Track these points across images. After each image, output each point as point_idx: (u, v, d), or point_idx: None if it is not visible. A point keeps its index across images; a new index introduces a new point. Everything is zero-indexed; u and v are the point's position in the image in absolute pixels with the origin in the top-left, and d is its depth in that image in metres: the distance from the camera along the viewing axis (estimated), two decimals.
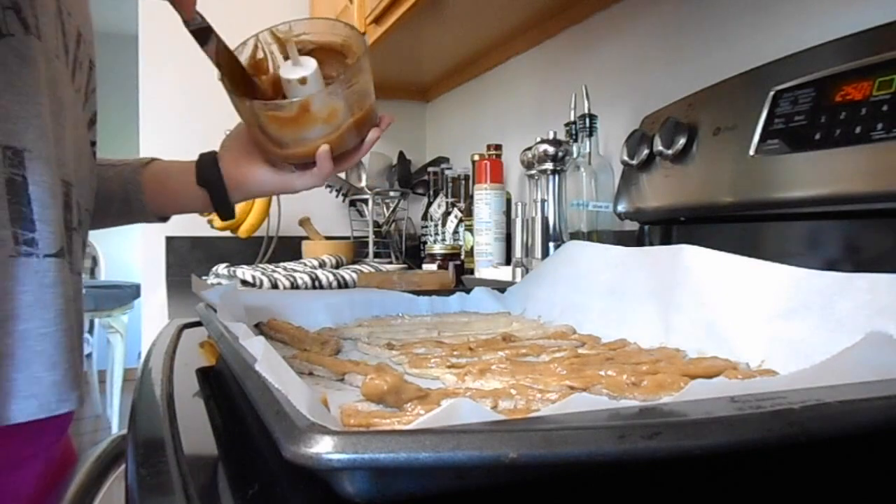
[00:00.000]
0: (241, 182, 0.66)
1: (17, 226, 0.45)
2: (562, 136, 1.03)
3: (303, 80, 0.60)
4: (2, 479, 0.48)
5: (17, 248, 0.45)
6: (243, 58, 0.64)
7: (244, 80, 0.63)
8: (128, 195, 0.68)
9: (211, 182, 0.66)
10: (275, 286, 1.16)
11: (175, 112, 1.72)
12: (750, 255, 0.49)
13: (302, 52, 0.63)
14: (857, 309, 0.40)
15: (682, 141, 0.78)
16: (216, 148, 0.69)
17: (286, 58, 0.62)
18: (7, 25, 0.45)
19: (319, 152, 0.61)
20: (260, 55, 0.65)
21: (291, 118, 0.58)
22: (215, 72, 0.61)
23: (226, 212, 0.68)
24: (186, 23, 0.59)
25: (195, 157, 0.68)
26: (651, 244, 0.89)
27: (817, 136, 0.62)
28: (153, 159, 0.72)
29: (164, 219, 0.73)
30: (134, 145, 1.67)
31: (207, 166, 0.67)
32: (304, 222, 1.70)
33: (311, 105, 0.58)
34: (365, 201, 1.69)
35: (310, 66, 0.60)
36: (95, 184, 0.59)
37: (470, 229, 1.34)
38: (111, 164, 0.69)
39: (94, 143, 0.59)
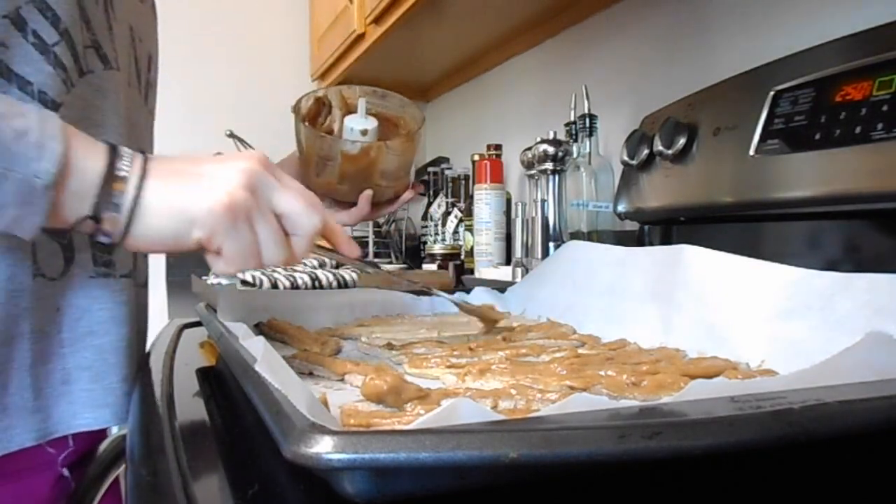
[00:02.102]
0: None
1: (95, 248, 0.49)
2: (562, 136, 1.03)
3: (364, 132, 0.73)
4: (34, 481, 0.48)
5: (96, 269, 0.49)
6: (308, 104, 0.77)
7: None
8: None
9: None
10: (275, 286, 1.16)
11: (176, 119, 1.72)
12: (750, 255, 0.49)
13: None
14: (857, 309, 0.40)
15: (682, 141, 0.78)
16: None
17: (344, 114, 0.75)
18: (87, 63, 0.48)
19: (362, 195, 0.72)
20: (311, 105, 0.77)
21: (353, 157, 0.70)
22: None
23: None
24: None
25: None
26: (651, 244, 0.89)
27: (817, 136, 0.61)
28: None
29: None
30: None
31: None
32: None
33: (371, 151, 0.70)
34: None
35: (372, 122, 0.74)
36: None
37: (470, 229, 1.34)
38: None
39: None
